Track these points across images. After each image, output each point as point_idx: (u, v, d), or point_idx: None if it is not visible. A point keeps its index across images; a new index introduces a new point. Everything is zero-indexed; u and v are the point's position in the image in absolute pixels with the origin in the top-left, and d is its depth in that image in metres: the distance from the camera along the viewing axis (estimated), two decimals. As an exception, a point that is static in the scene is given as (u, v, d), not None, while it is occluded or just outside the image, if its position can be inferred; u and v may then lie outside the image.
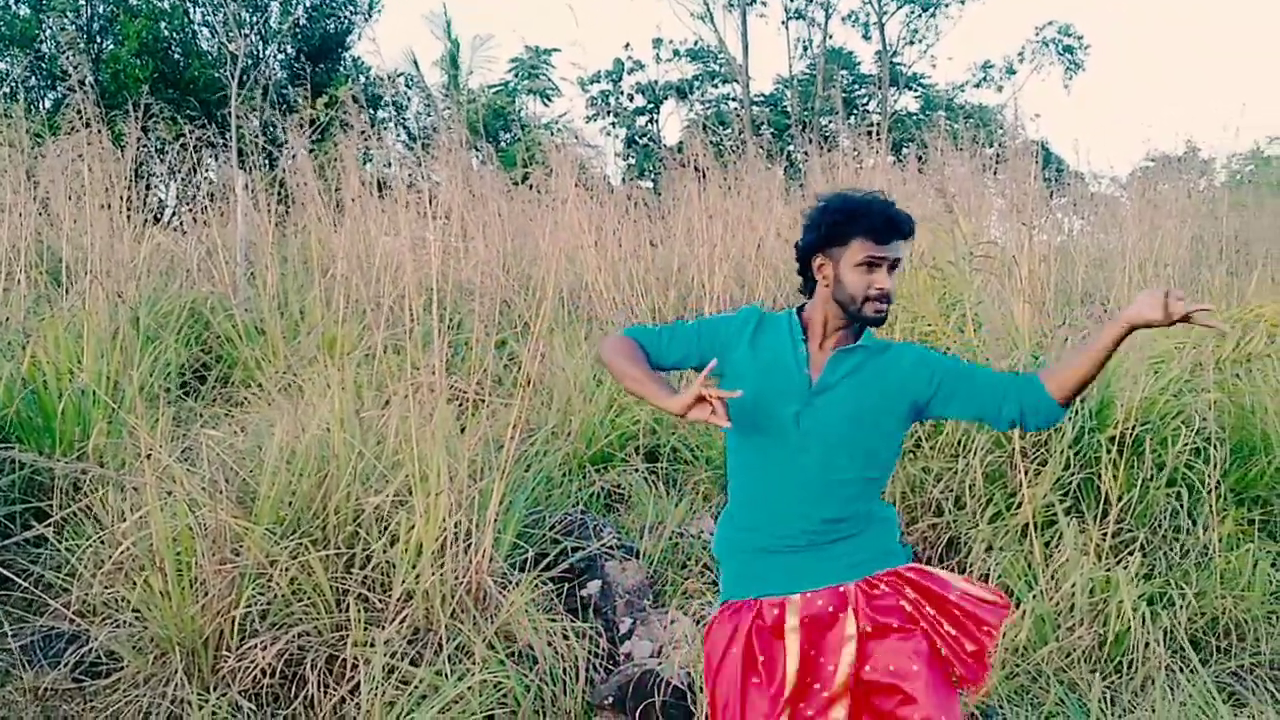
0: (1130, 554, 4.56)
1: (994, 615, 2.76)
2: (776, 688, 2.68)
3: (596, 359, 3.01)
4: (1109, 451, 4.86)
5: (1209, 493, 4.82)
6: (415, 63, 27.92)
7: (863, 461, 2.78)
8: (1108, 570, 4.47)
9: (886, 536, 2.87)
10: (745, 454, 2.87)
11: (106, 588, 4.22)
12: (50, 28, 20.17)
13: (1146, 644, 4.28)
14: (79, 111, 7.29)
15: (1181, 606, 4.44)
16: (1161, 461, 4.88)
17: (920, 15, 38.03)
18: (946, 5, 37.74)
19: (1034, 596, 4.42)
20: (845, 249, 2.75)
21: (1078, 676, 4.20)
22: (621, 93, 37.50)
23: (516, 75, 32.47)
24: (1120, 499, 4.75)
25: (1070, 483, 4.91)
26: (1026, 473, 4.82)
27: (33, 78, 19.42)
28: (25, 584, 4.47)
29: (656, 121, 37.31)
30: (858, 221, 2.73)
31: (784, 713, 2.66)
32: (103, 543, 4.35)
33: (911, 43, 38.58)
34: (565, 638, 4.15)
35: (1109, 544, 4.65)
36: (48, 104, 19.46)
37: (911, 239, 2.79)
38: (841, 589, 2.74)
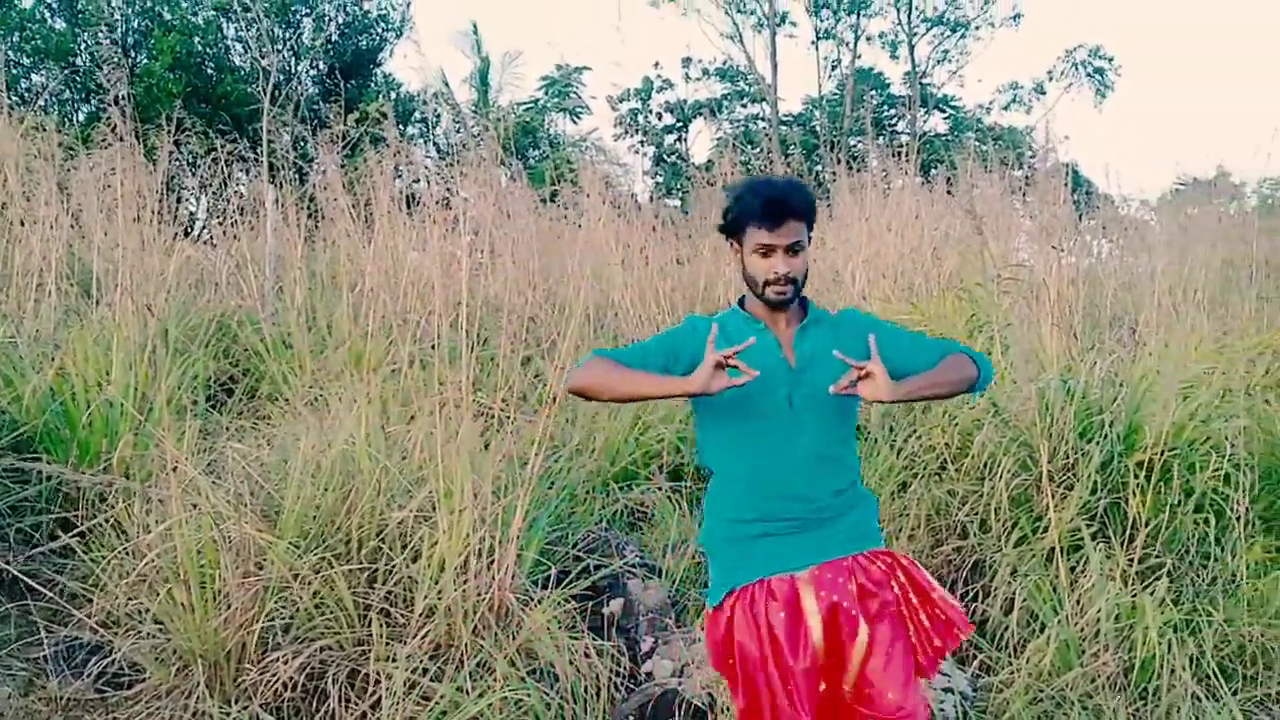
0: (1157, 580, 4.51)
1: (962, 623, 2.93)
2: (810, 659, 2.79)
3: (572, 390, 2.93)
4: (1136, 477, 4.82)
5: (1237, 519, 4.76)
6: (445, 80, 28.06)
7: (847, 428, 2.97)
8: (1134, 596, 4.42)
9: (873, 517, 3.05)
10: (738, 446, 2.93)
11: (130, 599, 4.24)
12: (85, 42, 20.37)
13: (1172, 671, 4.22)
14: (112, 126, 7.34)
15: (1208, 634, 4.39)
16: (1190, 488, 4.83)
17: (950, 36, 38.01)
18: (977, 28, 37.73)
19: (1059, 621, 4.39)
20: (744, 237, 2.90)
21: (1103, 703, 4.15)
22: (650, 111, 37.60)
23: (547, 93, 32.57)
24: (1147, 524, 4.71)
25: (1097, 507, 4.87)
26: (1053, 496, 4.78)
27: (67, 91, 19.61)
28: (50, 594, 4.50)
29: (685, 140, 37.38)
30: (748, 210, 2.87)
31: (819, 684, 2.82)
32: (127, 554, 4.37)
33: (940, 63, 38.57)
34: (587, 656, 4.13)
35: (1135, 570, 4.61)
36: (81, 117, 19.64)
37: (806, 218, 2.89)
38: (845, 562, 2.88)
